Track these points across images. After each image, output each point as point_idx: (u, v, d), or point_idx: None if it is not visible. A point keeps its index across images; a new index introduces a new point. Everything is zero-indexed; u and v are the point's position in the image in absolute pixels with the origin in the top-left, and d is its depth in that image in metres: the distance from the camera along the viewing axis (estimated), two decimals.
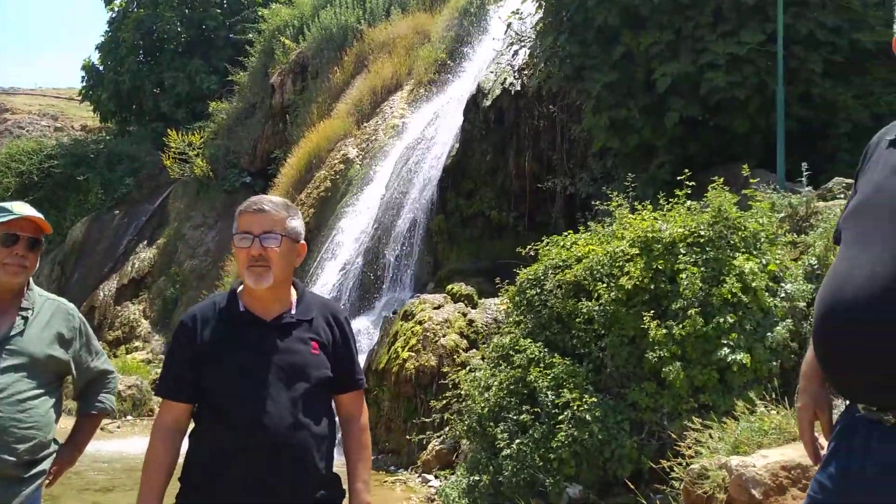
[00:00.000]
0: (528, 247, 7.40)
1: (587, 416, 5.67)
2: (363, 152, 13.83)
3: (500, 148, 11.49)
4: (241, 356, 2.24)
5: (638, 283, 5.87)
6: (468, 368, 7.38)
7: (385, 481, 8.28)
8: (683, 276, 5.61)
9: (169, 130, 18.79)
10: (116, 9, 24.31)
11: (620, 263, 6.10)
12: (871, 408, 1.70)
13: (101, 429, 11.49)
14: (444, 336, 9.52)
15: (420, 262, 11.55)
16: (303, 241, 2.35)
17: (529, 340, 6.60)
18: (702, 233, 5.82)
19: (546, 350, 6.40)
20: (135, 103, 23.64)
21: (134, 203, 20.21)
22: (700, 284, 5.54)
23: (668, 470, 4.42)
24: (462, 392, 7.42)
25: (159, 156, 19.42)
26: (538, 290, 6.88)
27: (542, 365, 6.29)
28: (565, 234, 7.14)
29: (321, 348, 2.27)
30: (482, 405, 6.65)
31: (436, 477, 8.01)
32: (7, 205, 2.54)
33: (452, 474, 6.59)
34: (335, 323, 2.34)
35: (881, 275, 1.64)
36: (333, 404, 2.37)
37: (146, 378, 13.22)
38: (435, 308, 9.94)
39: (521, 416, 6.30)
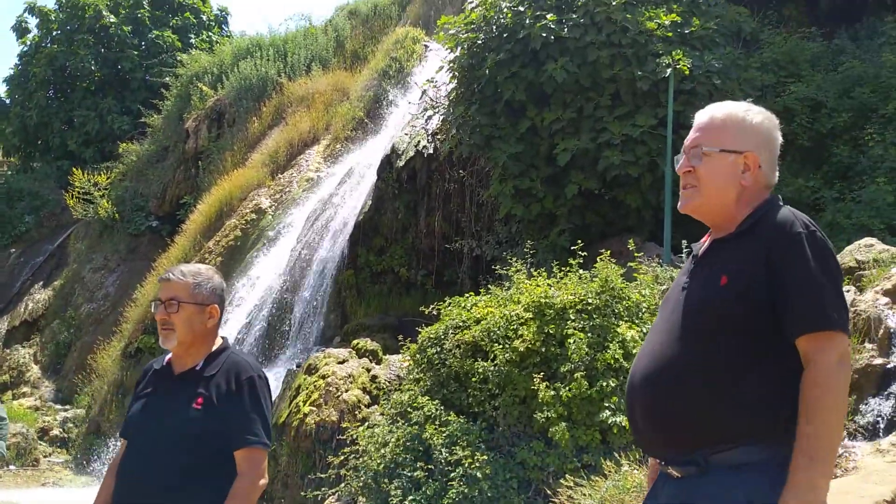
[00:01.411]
0: (432, 306, 7.66)
1: (478, 474, 5.88)
2: (276, 203, 13.91)
3: (412, 207, 11.81)
4: (140, 405, 2.45)
5: (530, 345, 6.19)
6: (366, 424, 7.52)
7: None
8: (571, 340, 5.97)
9: (74, 169, 18.36)
10: (29, 42, 23.78)
11: (515, 326, 6.42)
12: (660, 462, 2.07)
13: None
14: (346, 391, 9.59)
15: (327, 315, 11.64)
16: (214, 304, 2.55)
17: (427, 398, 6.81)
18: (590, 300, 6.21)
19: (443, 408, 6.62)
20: (41, 139, 22.99)
21: (33, 242, 19.51)
22: (586, 349, 5.90)
23: None
24: (359, 448, 7.53)
25: (63, 194, 18.90)
26: (438, 349, 7.13)
27: (437, 422, 6.49)
28: (467, 295, 7.44)
29: (205, 403, 2.43)
30: (378, 461, 6.78)
31: None
32: None
33: None
34: (235, 380, 2.51)
35: (649, 354, 2.08)
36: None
37: (32, 426, 12.68)
38: (339, 362, 10.02)
39: (416, 473, 6.46)
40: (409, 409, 6.91)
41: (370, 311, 11.74)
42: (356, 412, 9.34)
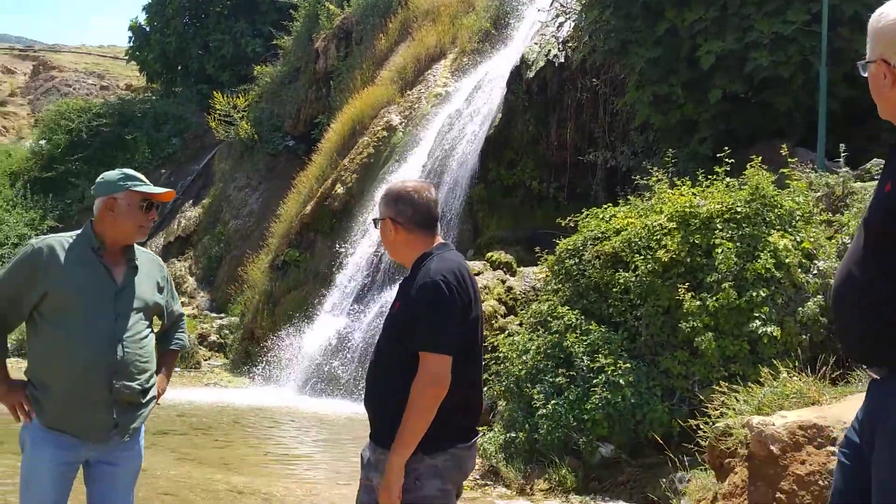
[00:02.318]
0: (568, 218, 7.64)
1: (621, 381, 5.96)
2: (406, 120, 14.08)
3: (543, 119, 11.67)
4: None
5: (674, 255, 6.11)
6: (507, 333, 7.69)
7: None
8: (719, 250, 5.84)
9: (214, 92, 19.20)
10: None
11: (658, 237, 6.33)
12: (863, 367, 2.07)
13: None
14: (483, 302, 9.84)
15: (460, 229, 11.84)
16: (387, 219, 2.60)
17: (567, 308, 6.89)
18: (739, 209, 6.02)
19: (583, 318, 6.68)
20: (180, 64, 24.10)
21: (179, 163, 20.75)
22: (735, 259, 5.77)
23: (695, 430, 4.71)
24: (500, 355, 7.76)
25: (204, 117, 19.86)
26: (577, 261, 7.15)
27: (578, 331, 6.58)
28: (605, 206, 7.37)
29: (401, 307, 2.55)
30: (520, 368, 6.97)
31: None
32: (135, 174, 2.90)
33: (490, 431, 6.93)
34: (417, 286, 2.53)
35: (846, 262, 2.07)
36: None
37: (193, 332, 13.77)
38: (475, 275, 10.25)
39: (557, 379, 6.61)
40: (549, 319, 7.03)
41: (502, 224, 11.86)
42: (493, 322, 9.59)
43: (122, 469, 2.76)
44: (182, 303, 17.14)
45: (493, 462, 6.53)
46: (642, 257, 6.33)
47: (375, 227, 2.68)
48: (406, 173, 12.94)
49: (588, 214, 7.36)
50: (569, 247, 7.30)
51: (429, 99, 14.13)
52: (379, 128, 14.23)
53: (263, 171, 17.90)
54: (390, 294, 11.46)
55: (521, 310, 9.66)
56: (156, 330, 3.00)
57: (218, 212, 17.85)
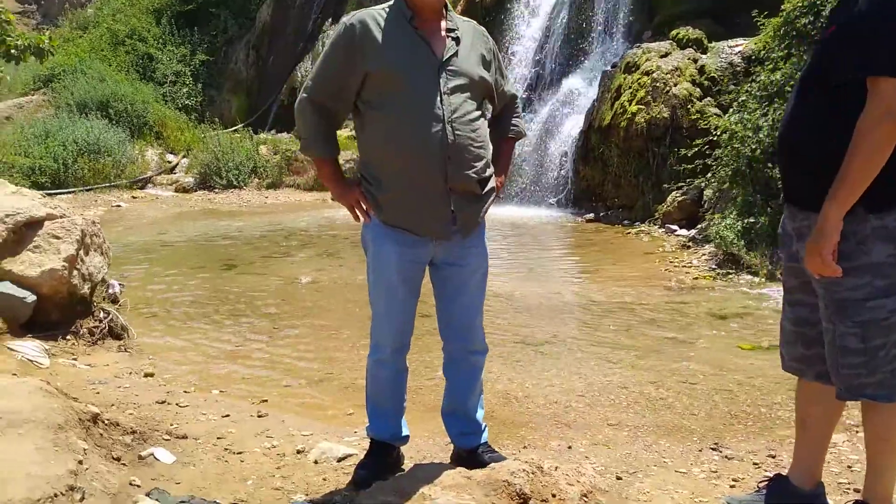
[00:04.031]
0: None
1: None
2: None
3: None
4: None
5: None
6: (731, 111, 6.98)
7: (628, 233, 8.34)
8: None
9: None
10: None
11: None
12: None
13: (332, 200, 12.29)
14: (675, 85, 9.04)
15: (633, 9, 10.79)
16: None
17: None
18: None
19: None
20: None
21: None
22: None
23: None
24: (716, 137, 7.11)
25: None
26: (811, 18, 6.22)
27: None
28: None
29: None
30: (753, 147, 6.34)
31: (680, 227, 7.97)
32: None
33: (722, 218, 6.45)
34: None
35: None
36: None
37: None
38: (661, 56, 9.37)
39: None
40: (786, 88, 6.26)
41: None
42: (688, 107, 8.83)
43: (468, 269, 2.51)
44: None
45: (732, 249, 6.11)
46: None
47: None
48: None
49: None
50: (801, 4, 6.34)
51: None
52: None
53: None
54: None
55: (717, 90, 8.83)
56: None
57: None
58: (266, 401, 3.51)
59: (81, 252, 4.14)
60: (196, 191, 12.40)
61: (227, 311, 5.22)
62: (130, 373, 3.79)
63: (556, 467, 2.33)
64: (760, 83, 6.61)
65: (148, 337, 4.49)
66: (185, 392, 3.52)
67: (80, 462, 2.38)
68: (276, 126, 16.16)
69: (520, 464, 2.29)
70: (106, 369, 3.81)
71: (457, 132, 2.38)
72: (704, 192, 8.06)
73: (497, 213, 10.09)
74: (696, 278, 6.02)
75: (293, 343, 4.48)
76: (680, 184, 8.30)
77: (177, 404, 3.30)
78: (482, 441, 2.63)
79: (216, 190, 12.39)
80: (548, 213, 10.07)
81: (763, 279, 5.78)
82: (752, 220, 6.18)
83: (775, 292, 5.46)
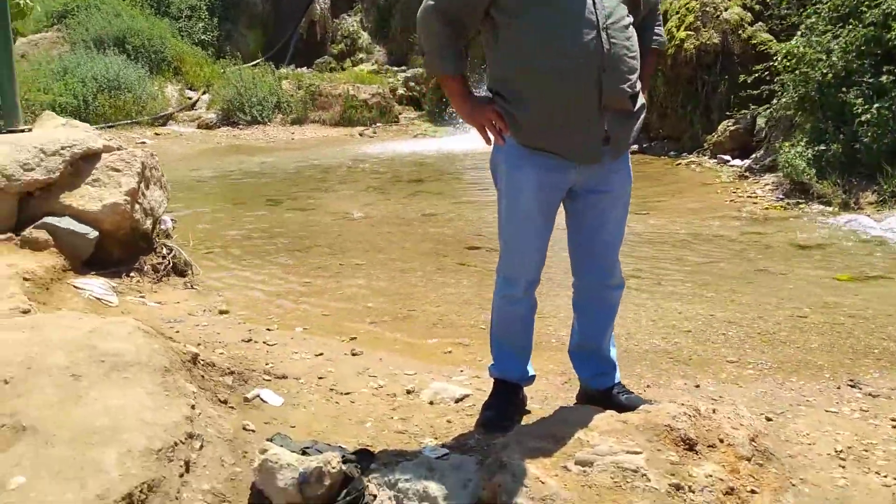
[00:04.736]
0: None
1: None
2: None
3: None
4: None
5: None
6: (797, 35, 6.60)
7: (677, 164, 8.05)
8: None
9: None
10: None
11: None
12: None
13: (361, 135, 11.96)
14: (725, 10, 8.61)
15: None
16: None
17: None
18: None
19: None
20: None
21: None
22: None
23: None
24: (776, 63, 6.76)
25: None
26: None
27: None
28: None
29: None
30: (823, 71, 6.00)
31: (732, 157, 7.67)
32: None
33: (791, 146, 6.15)
34: None
35: None
36: None
37: (385, 86, 13.36)
38: None
39: (881, 79, 5.64)
40: (861, 9, 5.89)
41: None
42: (739, 33, 8.43)
43: (613, 196, 2.25)
44: (361, 59, 16.49)
45: (803, 178, 5.83)
46: None
47: None
48: None
49: None
50: None
51: None
52: None
53: None
54: None
55: (768, 14, 8.41)
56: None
57: None
58: (355, 338, 3.31)
59: (142, 185, 3.90)
60: (219, 127, 12.08)
61: (284, 248, 5.01)
62: (204, 310, 3.60)
63: (715, 409, 2.13)
64: (831, 4, 6.23)
65: (211, 274, 4.29)
66: (269, 330, 3.32)
67: (192, 407, 2.19)
68: (296, 61, 15.70)
69: (678, 406, 2.09)
70: (177, 307, 3.62)
71: (612, 40, 2.09)
72: (757, 121, 7.73)
73: None
74: (766, 208, 5.77)
75: (364, 279, 4.27)
76: (730, 113, 7.97)
77: (264, 343, 3.10)
78: (616, 381, 2.43)
79: (240, 126, 12.07)
80: None
81: (836, 208, 5.52)
82: (822, 147, 5.88)
83: (852, 222, 5.22)
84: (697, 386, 2.73)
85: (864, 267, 4.27)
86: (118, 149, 3.93)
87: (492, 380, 2.46)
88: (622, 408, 2.31)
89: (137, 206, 3.84)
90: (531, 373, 2.44)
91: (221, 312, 3.63)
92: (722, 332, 3.32)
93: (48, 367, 2.13)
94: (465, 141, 10.73)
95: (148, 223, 3.94)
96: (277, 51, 15.61)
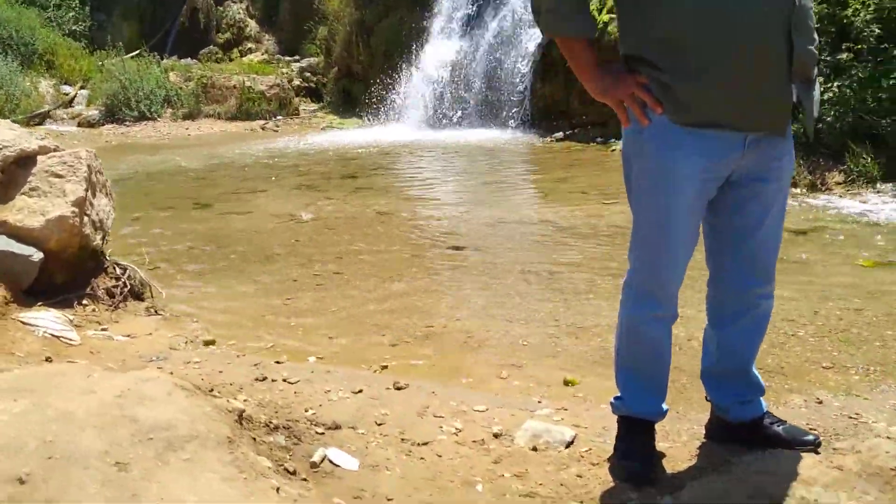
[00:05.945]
0: None
1: None
2: None
3: None
4: None
5: None
6: None
7: (612, 150, 7.87)
8: None
9: None
10: None
11: None
12: None
13: (263, 129, 11.14)
14: None
15: None
16: None
17: None
18: None
19: None
20: None
21: None
22: None
23: None
24: None
25: None
26: None
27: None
28: None
29: None
30: None
31: None
32: None
33: None
34: None
35: None
36: None
37: (281, 77, 12.58)
38: None
39: (839, 56, 5.62)
40: None
41: None
42: None
43: (775, 186, 1.85)
44: (249, 49, 15.60)
45: None
46: None
47: None
48: None
49: None
50: None
51: None
52: None
53: None
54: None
55: None
56: None
57: None
58: (386, 367, 2.79)
59: (89, 193, 3.18)
60: (103, 124, 10.94)
61: (242, 258, 4.35)
62: (186, 342, 2.96)
63: None
64: None
65: (172, 294, 3.61)
66: (278, 363, 2.74)
67: (277, 489, 1.63)
68: (178, 52, 14.56)
69: (888, 442, 1.74)
70: (151, 340, 2.95)
71: None
72: None
73: (453, 137, 9.38)
74: None
75: (352, 290, 3.71)
76: None
77: (284, 380, 2.52)
78: (765, 409, 2.04)
79: (127, 123, 10.97)
80: (511, 134, 9.45)
81: (804, 189, 5.45)
82: None
83: (830, 204, 5.13)
84: (820, 402, 2.40)
85: (876, 251, 4.13)
86: (55, 149, 3.20)
87: (588, 414, 2.04)
88: (777, 442, 1.94)
89: (86, 219, 3.12)
90: (665, 408, 2.02)
91: (207, 343, 3.00)
92: (784, 330, 3.03)
93: (81, 455, 1.51)
94: (380, 133, 10.21)
95: (98, 239, 3.23)
96: (158, 40, 14.43)
